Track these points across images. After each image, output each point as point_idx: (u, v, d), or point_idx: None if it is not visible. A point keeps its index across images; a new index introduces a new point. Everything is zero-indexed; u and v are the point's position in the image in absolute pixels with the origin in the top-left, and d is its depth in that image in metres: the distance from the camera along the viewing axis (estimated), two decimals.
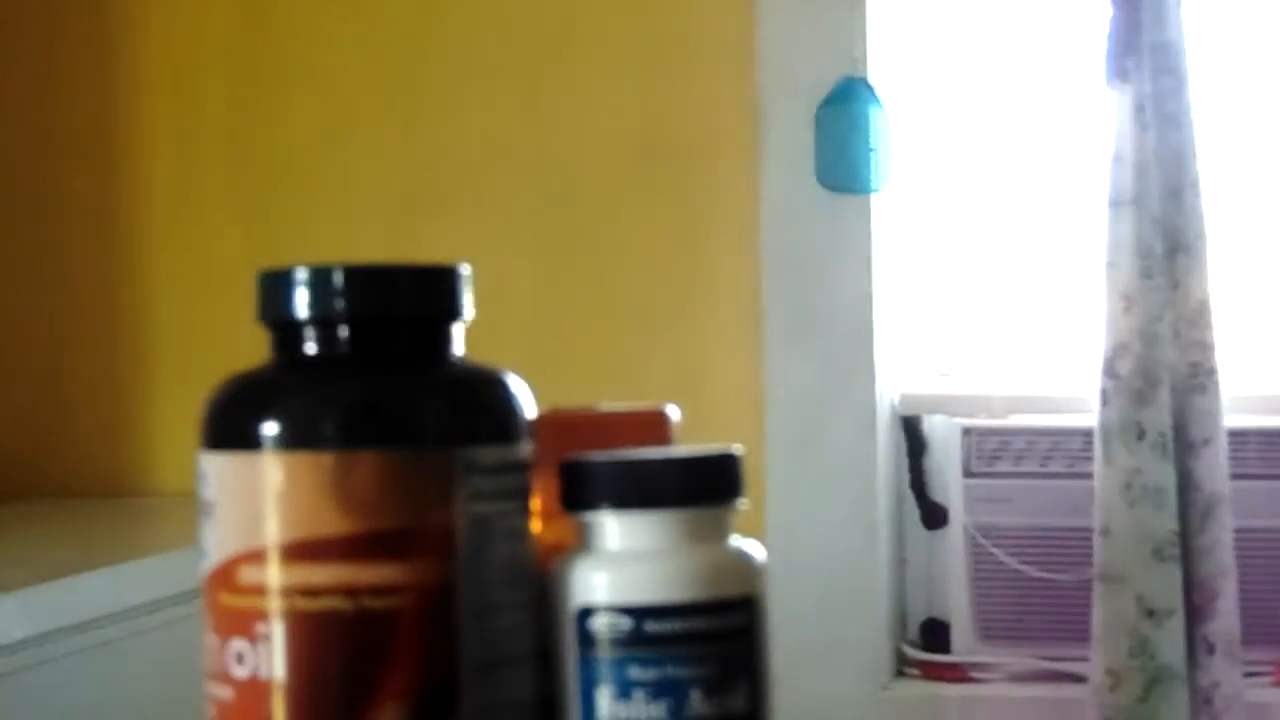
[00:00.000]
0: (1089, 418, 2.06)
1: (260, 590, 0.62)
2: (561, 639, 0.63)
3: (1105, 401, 2.03)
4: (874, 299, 2.18)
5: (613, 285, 2.26)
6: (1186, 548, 2.02)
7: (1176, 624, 2.01)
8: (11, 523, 2.18)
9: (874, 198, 2.18)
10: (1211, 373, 2.02)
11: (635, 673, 0.62)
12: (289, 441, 0.62)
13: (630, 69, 2.25)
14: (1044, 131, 2.26)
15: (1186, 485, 2.02)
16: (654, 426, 0.71)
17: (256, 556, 0.62)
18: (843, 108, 2.16)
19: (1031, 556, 2.18)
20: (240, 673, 0.62)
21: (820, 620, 2.16)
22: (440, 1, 2.31)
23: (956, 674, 2.21)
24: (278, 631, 0.61)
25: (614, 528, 0.64)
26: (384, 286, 0.64)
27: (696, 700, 0.62)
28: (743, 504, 0.65)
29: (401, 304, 0.64)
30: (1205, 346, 2.02)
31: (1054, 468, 2.18)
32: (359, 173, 2.33)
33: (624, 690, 0.62)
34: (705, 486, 0.64)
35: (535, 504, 0.65)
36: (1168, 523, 2.00)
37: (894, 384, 2.25)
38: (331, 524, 0.61)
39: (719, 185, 2.23)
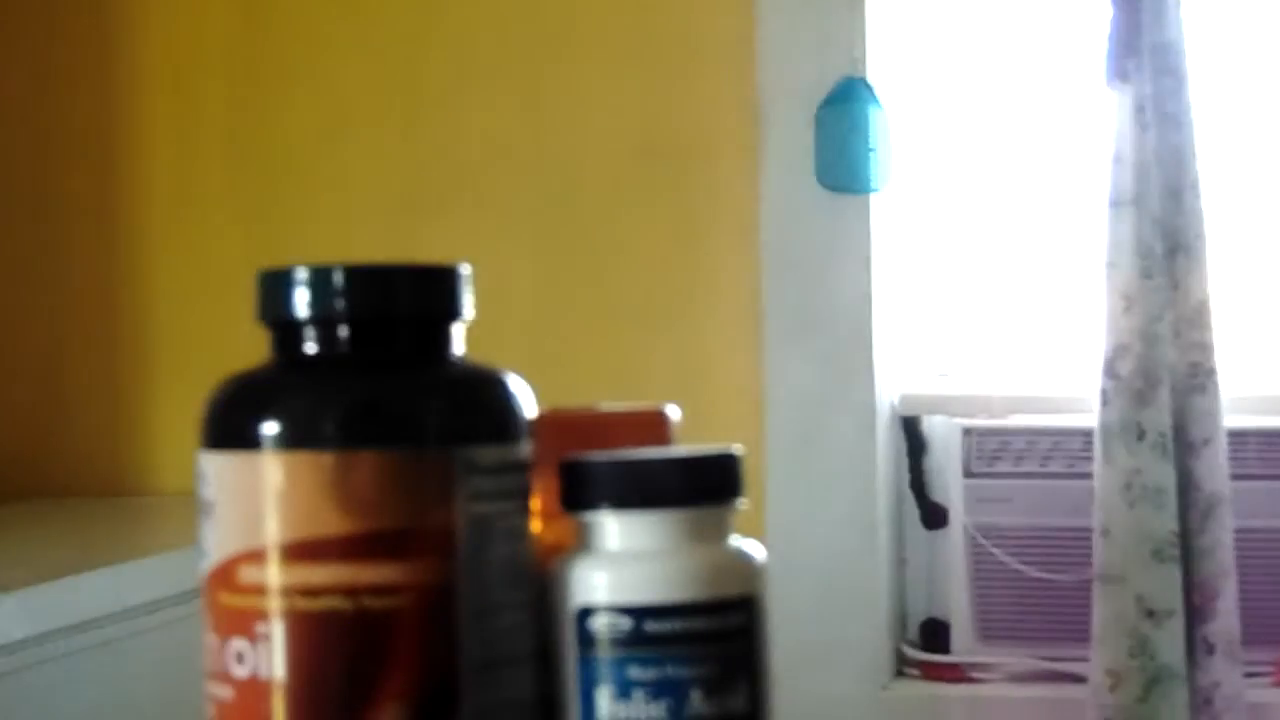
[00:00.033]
0: (1089, 418, 2.06)
1: (260, 590, 0.62)
2: (561, 639, 0.63)
3: (1105, 402, 2.03)
4: (874, 299, 2.18)
5: (613, 285, 2.26)
6: (1186, 548, 2.02)
7: (1176, 624, 2.01)
8: (11, 522, 2.18)
9: (874, 198, 2.18)
10: (1211, 373, 2.02)
11: (635, 673, 0.62)
12: (289, 441, 0.62)
13: (630, 69, 2.25)
14: (1044, 132, 2.26)
15: (1186, 485, 2.02)
16: (654, 426, 0.71)
17: (256, 556, 0.62)
18: (843, 108, 2.16)
19: (1031, 557, 2.18)
20: (240, 672, 0.62)
21: (820, 620, 2.16)
22: (440, 1, 2.31)
23: (956, 674, 2.21)
24: (278, 631, 0.61)
25: (614, 528, 0.64)
26: (384, 286, 0.64)
27: (696, 700, 0.62)
28: (743, 504, 0.65)
29: (401, 304, 0.64)
30: (1205, 347, 2.02)
31: (1054, 468, 2.18)
32: (359, 173, 2.33)
33: (624, 690, 0.62)
34: (705, 486, 0.64)
35: (535, 504, 0.65)
36: (1168, 523, 2.00)
37: (894, 384, 2.25)
38: (331, 524, 0.61)
39: (719, 185, 2.23)
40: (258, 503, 0.62)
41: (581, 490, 0.64)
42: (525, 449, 0.65)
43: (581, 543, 0.64)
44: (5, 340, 2.40)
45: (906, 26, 2.27)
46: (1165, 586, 2.00)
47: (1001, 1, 2.26)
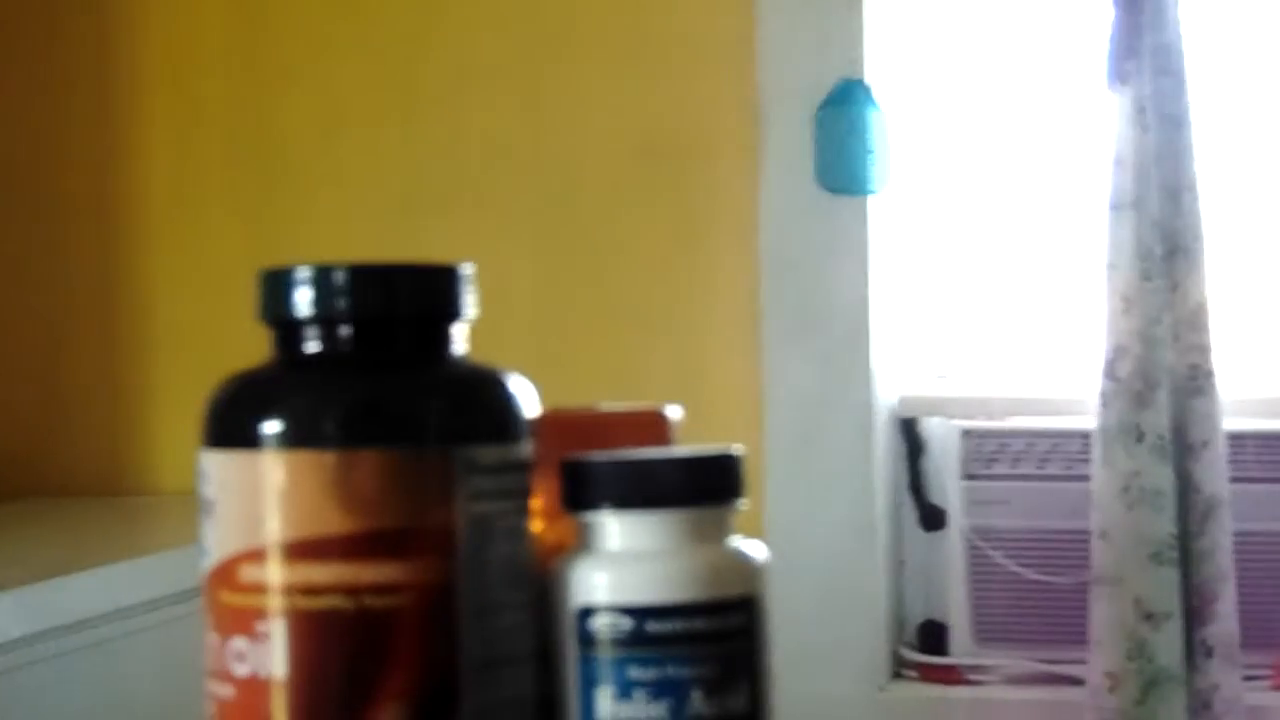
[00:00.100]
0: (1087, 420, 2.06)
1: (261, 589, 0.62)
2: (562, 639, 0.63)
3: (1104, 404, 2.03)
4: (873, 300, 2.18)
5: (612, 285, 2.26)
6: (1185, 551, 2.02)
7: (1175, 627, 2.01)
8: (11, 521, 2.18)
9: (873, 199, 2.18)
10: (1210, 375, 2.02)
11: (635, 673, 0.62)
12: (290, 440, 0.62)
13: (630, 69, 2.25)
14: (1044, 133, 2.26)
15: (1185, 488, 2.02)
16: (654, 426, 0.71)
17: (257, 555, 0.62)
18: (842, 109, 2.16)
19: (1029, 559, 2.18)
20: (241, 671, 0.62)
21: (818, 622, 2.16)
22: (440, 1, 2.31)
23: (954, 676, 2.21)
24: (278, 630, 0.61)
25: (615, 528, 0.64)
26: (386, 286, 0.64)
27: (697, 700, 0.62)
28: (743, 504, 0.65)
29: (403, 303, 0.64)
30: (1203, 349, 2.02)
31: (1052, 470, 2.18)
32: (358, 172, 2.33)
33: (624, 690, 0.62)
34: (706, 486, 0.64)
35: (536, 503, 0.65)
36: (1166, 525, 2.00)
37: (893, 385, 2.25)
38: (332, 523, 0.61)
39: (718, 186, 2.23)
40: (259, 502, 0.62)
41: (582, 490, 0.64)
42: (526, 449, 0.65)
43: (582, 543, 0.64)
44: (5, 340, 2.40)
45: (906, 28, 2.27)
46: (1164, 589, 2.00)
47: (1001, 3, 2.26)
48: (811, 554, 2.17)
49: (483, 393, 0.65)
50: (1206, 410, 2.02)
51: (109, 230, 2.38)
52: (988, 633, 2.20)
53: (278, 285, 0.64)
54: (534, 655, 0.64)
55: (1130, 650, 2.01)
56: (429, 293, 0.65)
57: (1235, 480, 2.05)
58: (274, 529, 0.62)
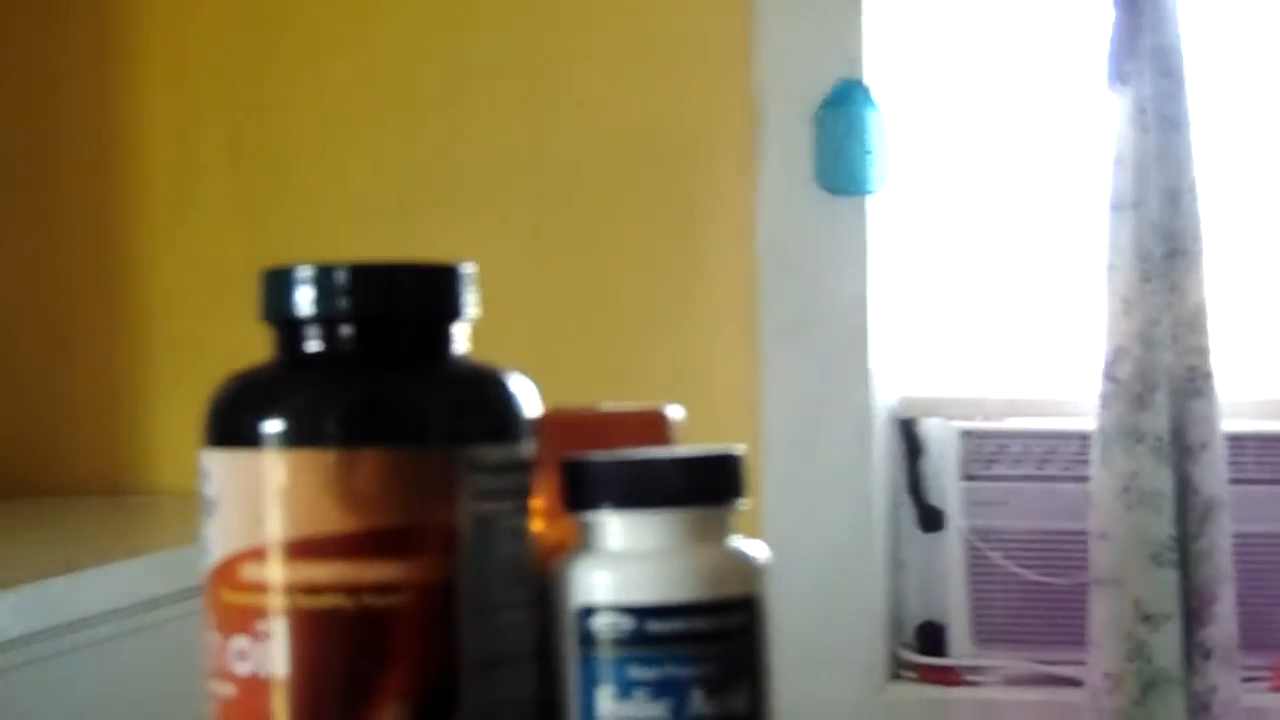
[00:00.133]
0: (1086, 421, 2.06)
1: (262, 588, 0.62)
2: (562, 638, 0.63)
3: (1103, 405, 2.03)
4: (871, 301, 2.18)
5: (612, 285, 2.26)
6: (1184, 552, 2.02)
7: (1173, 628, 2.01)
8: (11, 521, 2.18)
9: (871, 200, 2.18)
10: (1208, 377, 2.02)
11: (636, 672, 0.62)
12: (292, 439, 0.62)
13: (630, 69, 2.25)
14: (1044, 134, 2.26)
15: (1184, 489, 2.02)
16: (654, 426, 0.71)
17: (258, 554, 0.62)
18: (840, 110, 2.16)
19: (1028, 560, 2.18)
20: (242, 670, 0.62)
21: (816, 623, 2.16)
22: (440, 1, 2.31)
23: (952, 677, 2.21)
24: (279, 629, 0.61)
25: (615, 527, 0.64)
26: (388, 285, 0.64)
27: (697, 700, 0.62)
28: (744, 504, 0.65)
29: (405, 302, 0.64)
30: (1202, 351, 2.02)
31: (1051, 471, 2.18)
32: (359, 173, 2.33)
33: (625, 690, 0.62)
34: (707, 486, 0.64)
35: (537, 503, 0.65)
36: (1165, 527, 2.00)
37: (891, 386, 2.25)
38: (333, 522, 0.61)
39: (717, 186, 2.23)
40: (260, 501, 0.62)
41: (583, 490, 0.64)
42: (527, 448, 0.65)
43: (583, 542, 0.64)
44: (5, 340, 2.40)
45: (905, 28, 2.27)
46: (1163, 590, 2.01)
47: (1001, 3, 2.27)
48: (810, 555, 2.17)
49: (484, 392, 0.65)
50: (1205, 412, 2.02)
51: (109, 231, 2.39)
52: (986, 634, 2.20)
53: (279, 284, 0.64)
54: (534, 655, 0.64)
55: (1129, 651, 2.01)
56: (430, 292, 0.65)
57: (1234, 482, 2.05)
58: (275, 528, 0.62)
